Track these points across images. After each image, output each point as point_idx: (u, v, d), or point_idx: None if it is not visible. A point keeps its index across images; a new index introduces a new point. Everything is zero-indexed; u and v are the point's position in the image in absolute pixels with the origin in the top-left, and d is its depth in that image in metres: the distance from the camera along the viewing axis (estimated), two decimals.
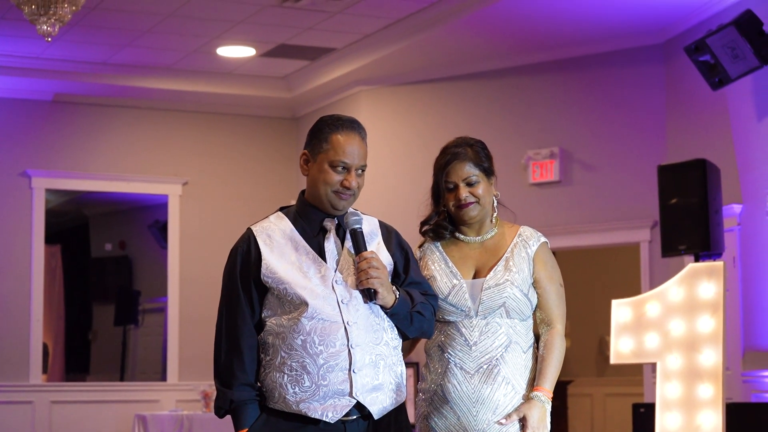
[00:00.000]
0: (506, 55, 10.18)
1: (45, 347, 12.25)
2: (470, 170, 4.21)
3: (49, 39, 7.67)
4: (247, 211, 11.35)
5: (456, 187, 4.20)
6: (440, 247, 4.30)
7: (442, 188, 4.22)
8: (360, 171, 3.94)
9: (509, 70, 10.33)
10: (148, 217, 13.80)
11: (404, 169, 10.77)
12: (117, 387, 12.30)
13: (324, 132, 3.94)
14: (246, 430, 3.88)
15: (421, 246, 4.34)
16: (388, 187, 10.79)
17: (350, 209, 3.99)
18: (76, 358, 14.71)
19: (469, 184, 4.20)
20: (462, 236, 4.28)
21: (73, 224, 14.84)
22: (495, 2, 8.79)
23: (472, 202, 4.20)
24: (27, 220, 11.18)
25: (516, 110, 10.34)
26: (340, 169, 3.90)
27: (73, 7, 7.58)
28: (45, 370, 12.45)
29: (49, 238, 12.00)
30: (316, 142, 3.94)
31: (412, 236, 4.33)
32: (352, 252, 3.93)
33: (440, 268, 4.23)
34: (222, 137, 11.95)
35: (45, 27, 7.57)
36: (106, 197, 13.05)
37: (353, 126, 3.97)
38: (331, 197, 3.91)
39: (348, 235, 3.96)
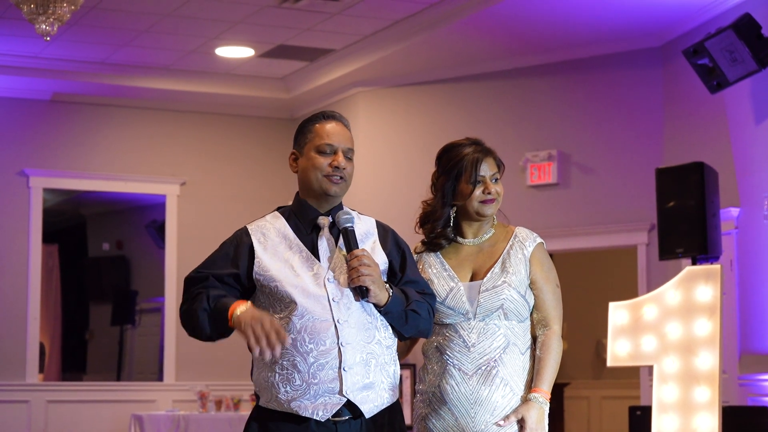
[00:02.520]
0: (504, 58, 10.18)
1: (42, 346, 12.23)
2: (497, 166, 4.25)
3: (48, 38, 7.67)
4: (244, 211, 11.34)
5: (484, 181, 4.21)
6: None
7: (469, 182, 4.19)
8: (348, 156, 3.96)
9: (507, 72, 10.33)
10: (145, 217, 13.80)
11: (402, 170, 10.77)
12: (113, 387, 12.30)
13: (306, 126, 4.00)
14: (238, 303, 3.77)
15: (417, 250, 4.33)
16: (385, 188, 10.80)
17: (344, 208, 4.00)
18: (73, 357, 14.72)
19: (494, 181, 4.23)
20: (459, 238, 4.29)
21: (71, 224, 14.84)
22: (493, 5, 8.80)
23: (496, 198, 4.22)
24: (24, 220, 11.17)
25: (514, 112, 10.34)
26: (327, 152, 3.93)
27: (72, 7, 7.58)
28: (41, 370, 12.43)
29: (47, 238, 12.00)
30: (301, 137, 4.00)
31: (409, 236, 4.32)
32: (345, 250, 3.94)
33: (437, 272, 4.23)
34: (220, 137, 11.95)
35: (44, 26, 7.56)
36: (104, 197, 13.05)
37: (334, 115, 4.02)
38: (323, 182, 3.92)
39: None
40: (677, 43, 9.15)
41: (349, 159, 3.96)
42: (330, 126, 3.96)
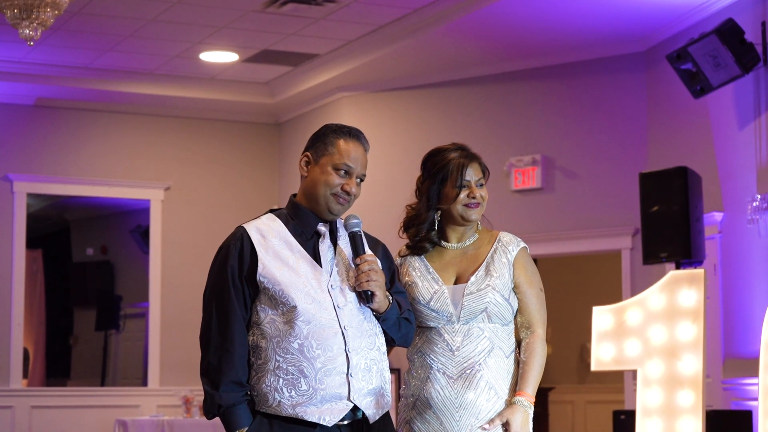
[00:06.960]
0: (488, 63, 10.19)
1: (26, 352, 12.20)
2: (482, 172, 4.27)
3: (32, 43, 7.66)
4: (229, 216, 11.34)
5: (469, 185, 4.22)
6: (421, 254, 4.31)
7: (455, 186, 4.20)
8: (359, 180, 3.98)
9: (491, 77, 10.35)
10: (129, 222, 13.76)
11: (385, 175, 10.76)
12: (98, 392, 12.27)
13: (329, 137, 3.99)
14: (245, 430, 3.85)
15: (401, 253, 4.34)
16: (369, 192, 10.76)
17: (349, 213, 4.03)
18: (57, 363, 14.67)
19: (479, 185, 4.24)
20: (444, 242, 4.30)
21: (55, 229, 14.80)
22: (476, 10, 8.81)
23: (480, 203, 4.23)
24: (8, 225, 11.15)
25: (498, 117, 10.36)
26: (342, 173, 3.94)
27: (56, 12, 7.57)
28: (25, 375, 12.40)
29: (31, 243, 11.97)
30: (321, 145, 3.98)
31: (393, 240, 4.33)
32: (348, 256, 3.96)
33: (421, 274, 4.24)
34: (204, 142, 11.94)
35: (27, 31, 7.55)
36: (88, 202, 13.02)
37: (359, 136, 4.02)
38: (329, 200, 3.94)
39: (339, 240, 3.99)
40: (661, 48, 9.17)
41: (359, 184, 3.98)
42: (353, 146, 3.97)
